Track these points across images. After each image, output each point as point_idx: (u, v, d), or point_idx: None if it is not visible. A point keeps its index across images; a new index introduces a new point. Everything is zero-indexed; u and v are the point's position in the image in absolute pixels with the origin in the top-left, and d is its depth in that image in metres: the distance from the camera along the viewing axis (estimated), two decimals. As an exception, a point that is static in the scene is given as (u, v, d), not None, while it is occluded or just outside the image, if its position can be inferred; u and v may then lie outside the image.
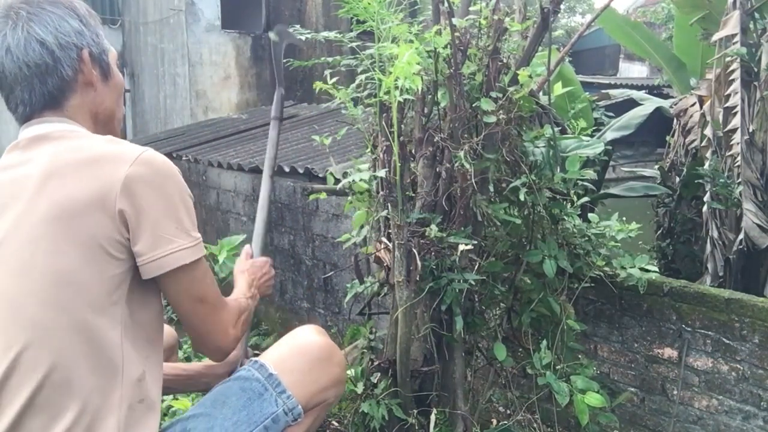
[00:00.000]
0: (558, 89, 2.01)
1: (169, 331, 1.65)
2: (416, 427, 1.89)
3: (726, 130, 3.35)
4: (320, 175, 4.01)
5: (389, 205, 1.76)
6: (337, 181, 2.12)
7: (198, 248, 1.20)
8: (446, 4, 1.75)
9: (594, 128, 4.02)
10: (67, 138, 1.19)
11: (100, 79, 1.28)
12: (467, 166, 1.74)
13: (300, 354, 1.38)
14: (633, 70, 17.26)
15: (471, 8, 1.95)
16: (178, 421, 1.25)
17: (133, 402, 1.14)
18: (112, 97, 1.32)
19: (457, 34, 1.77)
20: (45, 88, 1.22)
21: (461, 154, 1.75)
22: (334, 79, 1.97)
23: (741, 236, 3.14)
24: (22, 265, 1.12)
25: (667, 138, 4.56)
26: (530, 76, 1.83)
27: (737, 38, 3.30)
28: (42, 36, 1.20)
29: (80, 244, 1.10)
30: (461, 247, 1.77)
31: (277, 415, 1.26)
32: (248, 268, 1.62)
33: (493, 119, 1.79)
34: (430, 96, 1.87)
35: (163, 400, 2.13)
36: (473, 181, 1.81)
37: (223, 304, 1.29)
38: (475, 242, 1.86)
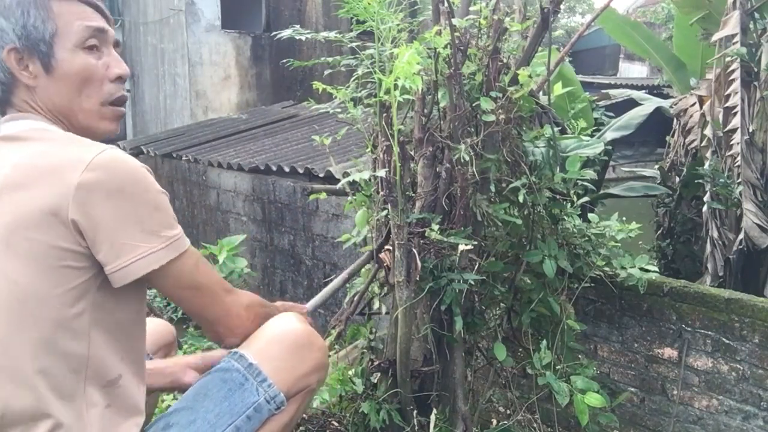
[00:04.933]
0: (558, 89, 2.01)
1: (167, 328, 1.64)
2: (416, 428, 1.89)
3: (726, 130, 3.35)
4: (320, 175, 4.01)
5: (389, 205, 1.75)
6: (337, 180, 2.12)
7: (175, 246, 1.14)
8: (446, 4, 1.75)
9: (594, 128, 4.02)
10: (33, 140, 1.15)
11: (43, 74, 1.19)
12: (467, 158, 1.74)
13: (279, 342, 1.35)
14: (633, 70, 17.26)
15: (471, 8, 1.95)
16: (162, 417, 1.24)
17: (104, 409, 1.13)
18: (63, 90, 1.20)
19: (457, 34, 1.77)
20: None
21: (462, 147, 1.75)
22: (335, 100, 1.97)
23: (741, 236, 3.14)
24: None
25: (667, 138, 4.56)
26: (530, 76, 1.83)
27: (737, 38, 3.30)
28: None
29: (37, 258, 1.07)
30: (461, 247, 1.77)
31: (259, 404, 1.25)
32: (285, 305, 1.59)
33: (492, 118, 1.79)
34: (430, 96, 1.87)
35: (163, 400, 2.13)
36: (474, 180, 1.81)
37: (227, 289, 1.26)
38: (475, 242, 1.86)
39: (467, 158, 1.75)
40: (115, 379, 1.15)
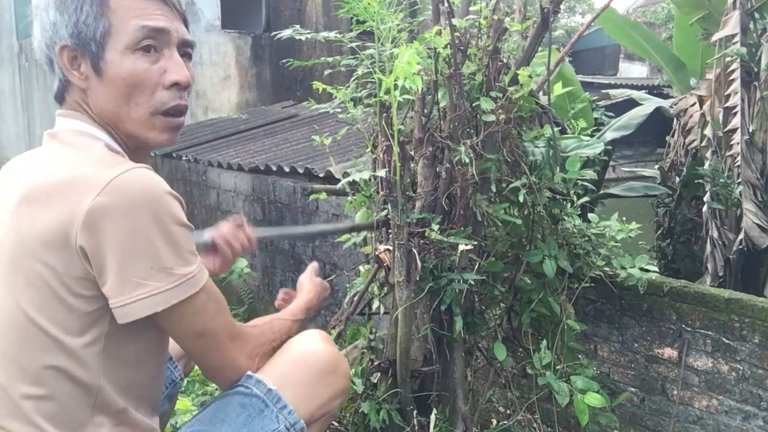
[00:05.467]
0: (558, 89, 2.01)
1: None
2: (416, 428, 1.89)
3: (726, 130, 3.35)
4: (320, 175, 4.01)
5: (389, 205, 1.75)
6: (337, 180, 2.12)
7: (184, 286, 1.03)
8: (446, 4, 1.75)
9: (594, 128, 4.02)
10: (68, 145, 1.09)
11: (93, 75, 1.10)
12: (467, 159, 1.74)
13: (303, 366, 1.27)
14: (633, 70, 17.25)
15: (471, 8, 1.95)
16: None
17: (113, 428, 1.07)
18: (109, 95, 1.11)
19: (457, 34, 1.77)
20: (55, 83, 1.15)
21: (462, 149, 1.75)
22: (335, 100, 1.97)
23: (741, 236, 3.14)
24: None
25: (667, 138, 4.56)
26: (530, 76, 1.83)
27: (737, 38, 3.30)
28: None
29: (46, 282, 1.00)
30: (461, 247, 1.77)
31: None
32: (316, 288, 1.52)
33: (492, 118, 1.79)
34: (430, 96, 1.87)
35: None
36: (474, 180, 1.81)
37: (233, 334, 1.16)
38: (475, 242, 1.86)
39: (467, 160, 1.75)
40: (122, 409, 1.09)
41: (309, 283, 1.57)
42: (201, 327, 1.09)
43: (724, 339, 2.18)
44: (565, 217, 2.07)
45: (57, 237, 0.98)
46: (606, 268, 2.16)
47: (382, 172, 1.74)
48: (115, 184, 0.98)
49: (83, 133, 1.11)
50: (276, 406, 1.20)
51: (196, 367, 1.40)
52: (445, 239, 1.77)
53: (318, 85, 1.96)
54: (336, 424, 2.07)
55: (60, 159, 1.07)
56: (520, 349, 2.12)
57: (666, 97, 5.63)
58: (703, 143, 3.67)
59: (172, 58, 1.14)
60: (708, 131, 3.60)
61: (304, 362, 1.28)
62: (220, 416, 1.19)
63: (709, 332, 2.21)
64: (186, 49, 1.19)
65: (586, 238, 2.12)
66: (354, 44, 1.98)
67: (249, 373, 1.21)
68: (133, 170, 1.01)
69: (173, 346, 1.29)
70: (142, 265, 0.99)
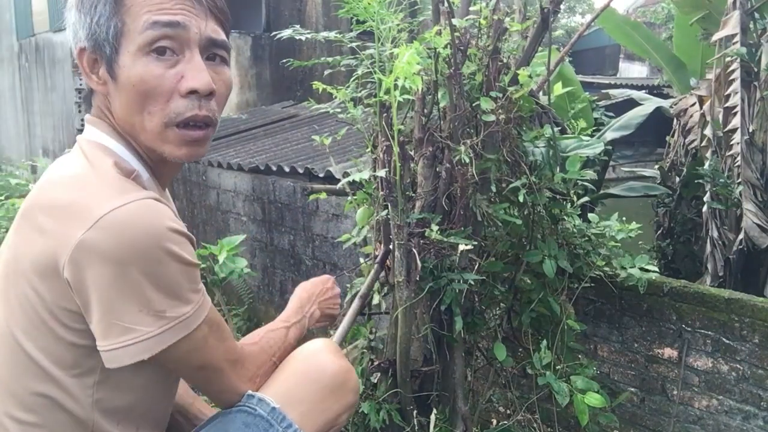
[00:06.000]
0: (558, 89, 2.01)
1: None
2: (416, 428, 1.89)
3: (726, 130, 3.35)
4: (320, 175, 4.01)
5: (389, 205, 1.75)
6: (337, 180, 2.12)
7: (177, 329, 0.95)
8: (446, 4, 1.75)
9: (594, 128, 4.01)
10: (77, 157, 1.02)
11: (109, 79, 1.01)
12: (467, 159, 1.74)
13: (309, 382, 1.19)
14: (633, 70, 17.26)
15: (471, 8, 1.95)
16: None
17: None
18: (122, 101, 1.01)
19: (457, 34, 1.77)
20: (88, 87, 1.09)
21: (462, 149, 1.75)
22: (335, 100, 1.97)
23: (741, 236, 3.14)
24: None
25: (667, 138, 4.55)
26: (530, 76, 1.83)
27: (737, 38, 3.30)
28: (70, 36, 1.06)
29: (34, 309, 0.94)
30: (461, 247, 1.77)
31: None
32: (307, 286, 1.44)
33: (492, 118, 1.79)
34: (430, 96, 1.87)
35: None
36: (474, 180, 1.81)
37: (234, 360, 1.10)
38: (475, 242, 1.86)
39: (467, 160, 1.75)
40: None
41: (304, 285, 1.49)
42: (201, 361, 1.03)
43: (724, 339, 2.18)
44: (565, 217, 2.07)
45: (47, 264, 0.92)
46: (606, 268, 2.16)
47: (382, 172, 1.74)
48: (109, 219, 0.89)
49: (97, 145, 1.03)
50: (281, 425, 1.12)
51: None
52: (445, 239, 1.77)
53: (318, 85, 1.96)
54: (336, 424, 2.06)
55: (67, 176, 0.99)
56: (520, 349, 2.12)
57: (666, 97, 5.63)
58: (703, 143, 3.66)
59: (192, 62, 1.00)
60: (708, 131, 3.59)
61: (309, 378, 1.20)
62: None
63: (709, 332, 2.21)
64: (216, 51, 1.05)
65: (586, 238, 2.12)
66: (354, 44, 1.98)
67: (250, 392, 1.14)
68: (131, 204, 0.91)
69: None
70: (130, 309, 0.91)
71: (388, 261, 1.87)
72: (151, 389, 1.07)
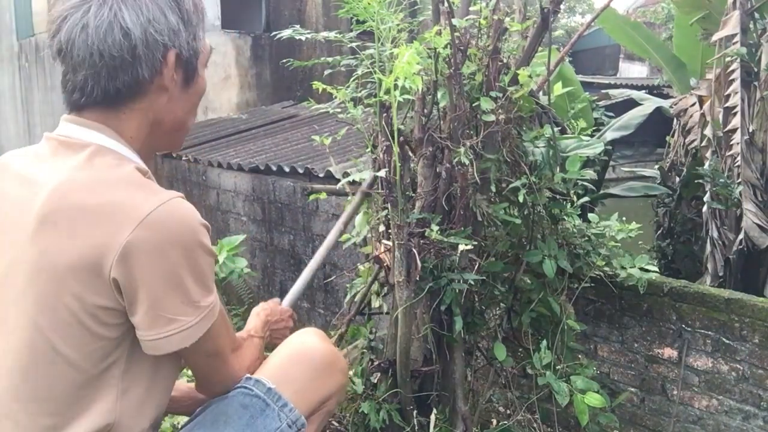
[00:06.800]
0: (558, 89, 2.01)
1: None
2: (416, 428, 1.89)
3: (726, 130, 3.35)
4: (320, 175, 4.01)
5: (389, 205, 1.75)
6: (337, 180, 2.12)
7: (208, 317, 1.04)
8: (446, 4, 1.75)
9: (594, 128, 4.01)
10: (89, 161, 1.02)
11: (179, 84, 1.11)
12: (466, 161, 1.74)
13: (301, 363, 1.30)
14: (633, 70, 17.25)
15: (471, 8, 1.95)
16: None
17: None
18: (187, 105, 1.15)
19: (457, 34, 1.77)
20: (112, 84, 1.04)
21: (461, 150, 1.76)
22: (335, 100, 1.97)
23: (741, 236, 3.14)
24: (3, 325, 1.03)
25: (667, 138, 4.56)
26: (530, 76, 1.83)
27: (737, 38, 3.30)
28: (129, 25, 1.01)
29: (68, 310, 0.98)
30: (461, 247, 1.77)
31: (282, 430, 1.20)
32: (265, 310, 1.53)
33: (492, 118, 1.79)
34: (430, 96, 1.87)
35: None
36: (473, 180, 1.81)
37: (236, 351, 1.22)
38: (475, 242, 1.86)
39: (467, 161, 1.75)
40: (143, 430, 1.09)
41: (260, 307, 1.57)
42: (213, 348, 1.12)
43: (724, 339, 2.18)
44: (565, 217, 2.07)
45: (88, 266, 0.96)
46: (606, 268, 2.16)
47: (382, 172, 1.74)
48: (154, 218, 0.96)
49: (110, 151, 1.05)
50: (277, 404, 1.21)
51: None
52: (445, 239, 1.77)
53: (318, 85, 1.96)
54: (336, 424, 2.07)
55: (89, 180, 1.01)
56: (520, 349, 2.12)
57: (666, 97, 5.63)
58: (703, 143, 3.66)
59: None
60: (708, 131, 3.59)
61: (301, 359, 1.31)
62: (222, 419, 1.18)
63: (709, 332, 2.21)
64: None
65: (586, 238, 2.12)
66: (354, 44, 1.98)
67: (247, 375, 1.23)
68: (170, 202, 0.99)
69: None
70: (174, 301, 1.00)
71: (387, 261, 1.87)
72: (161, 381, 1.12)
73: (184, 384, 1.44)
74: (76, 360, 1.00)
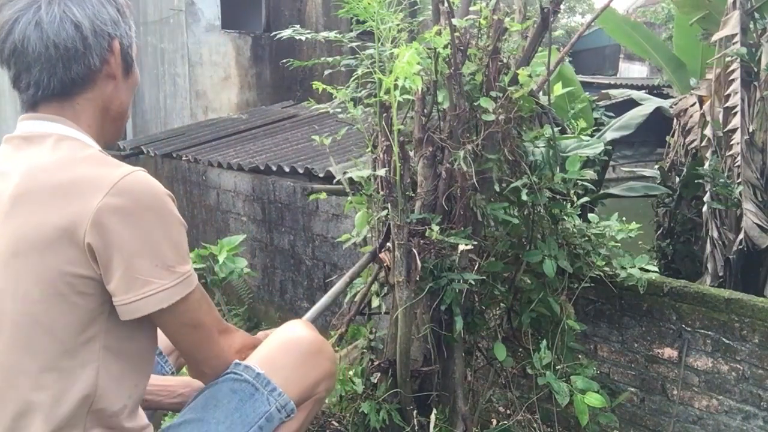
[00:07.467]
0: (558, 89, 2.01)
1: None
2: (416, 428, 1.89)
3: (726, 130, 3.34)
4: (320, 175, 4.01)
5: (389, 205, 1.76)
6: (338, 181, 2.12)
7: (184, 284, 1.09)
8: (446, 4, 1.75)
9: (594, 128, 4.01)
10: (55, 148, 1.09)
11: (122, 73, 1.20)
12: (464, 167, 1.74)
13: (288, 350, 1.34)
14: (633, 70, 17.25)
15: (471, 8, 1.95)
16: (169, 428, 1.22)
17: None
18: (128, 93, 1.25)
19: (457, 34, 1.77)
20: (67, 75, 1.12)
21: (460, 153, 1.76)
22: (335, 100, 1.97)
23: (741, 236, 3.14)
24: None
25: (667, 138, 4.55)
26: (530, 76, 1.83)
27: (737, 38, 3.30)
28: (78, 18, 1.11)
29: (46, 282, 1.02)
30: (461, 247, 1.77)
31: (271, 414, 1.24)
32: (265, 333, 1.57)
33: (492, 118, 1.79)
34: (430, 96, 1.87)
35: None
36: (473, 181, 1.81)
37: (222, 329, 1.24)
38: (475, 242, 1.86)
39: (465, 167, 1.75)
40: (120, 410, 1.11)
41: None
42: (196, 320, 1.15)
43: (724, 339, 2.18)
44: (565, 217, 2.07)
45: (63, 235, 1.01)
46: (606, 268, 2.16)
47: (382, 172, 1.74)
48: (122, 185, 1.03)
49: (68, 137, 1.12)
50: (266, 389, 1.24)
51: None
52: (445, 239, 1.77)
53: (318, 85, 1.96)
54: (336, 424, 2.07)
55: (59, 161, 1.08)
56: (520, 349, 2.12)
57: (666, 97, 5.63)
58: (703, 143, 3.66)
59: None
60: (708, 131, 3.59)
61: (289, 347, 1.35)
62: (212, 403, 1.22)
63: (709, 332, 2.21)
64: None
65: (586, 238, 2.12)
66: (354, 44, 1.98)
67: (236, 360, 1.27)
68: (136, 172, 1.06)
69: (162, 341, 1.31)
70: (148, 264, 1.05)
71: (387, 261, 1.87)
72: (140, 361, 1.16)
73: (176, 380, 1.48)
74: (55, 330, 1.04)
